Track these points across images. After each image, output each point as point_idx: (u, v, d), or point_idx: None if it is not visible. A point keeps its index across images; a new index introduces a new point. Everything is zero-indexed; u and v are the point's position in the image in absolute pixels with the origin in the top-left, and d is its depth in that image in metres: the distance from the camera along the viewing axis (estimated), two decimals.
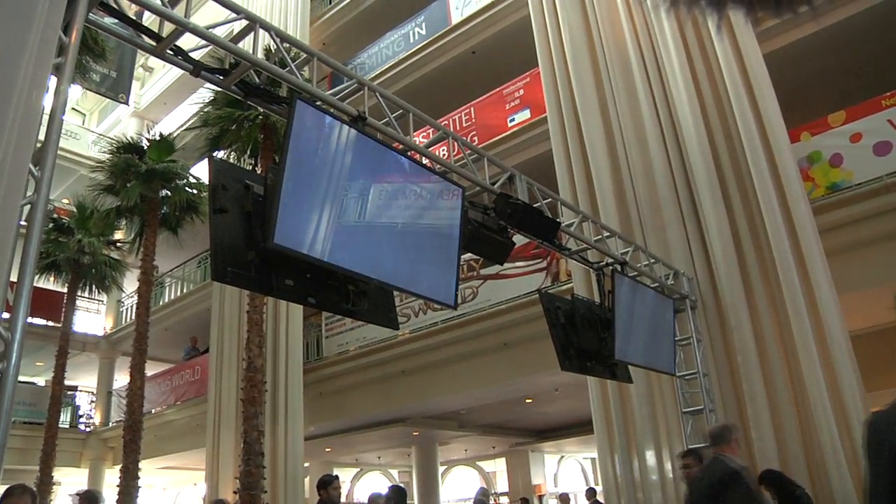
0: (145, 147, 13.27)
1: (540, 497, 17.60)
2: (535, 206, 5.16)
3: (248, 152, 11.28)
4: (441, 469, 18.41)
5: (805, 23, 7.08)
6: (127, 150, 13.07)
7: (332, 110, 3.85)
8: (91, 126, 22.52)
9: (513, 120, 10.87)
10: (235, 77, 3.74)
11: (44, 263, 14.52)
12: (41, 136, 2.73)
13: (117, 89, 12.56)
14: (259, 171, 9.27)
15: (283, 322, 11.98)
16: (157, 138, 13.47)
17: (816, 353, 6.22)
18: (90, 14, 3.09)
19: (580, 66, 8.57)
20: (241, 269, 3.29)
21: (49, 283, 15.49)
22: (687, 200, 7.39)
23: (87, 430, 18.18)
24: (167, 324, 16.69)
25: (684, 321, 7.04)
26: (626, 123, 8.01)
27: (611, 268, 6.13)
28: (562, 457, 20.16)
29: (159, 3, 3.35)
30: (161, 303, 17.35)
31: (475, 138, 10.98)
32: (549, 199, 5.74)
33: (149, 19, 4.41)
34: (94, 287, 15.65)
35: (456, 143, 4.98)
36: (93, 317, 19.29)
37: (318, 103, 3.71)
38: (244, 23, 3.79)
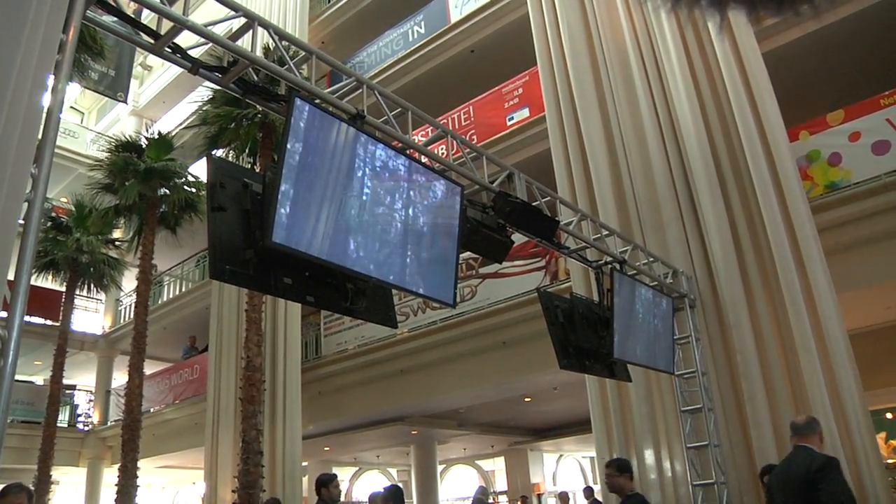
0: (144, 145, 13.27)
1: (539, 496, 17.61)
2: (534, 204, 5.16)
3: (247, 151, 11.28)
4: (440, 468, 18.41)
5: (804, 22, 7.08)
6: (125, 149, 13.06)
7: (330, 108, 3.84)
8: (90, 124, 22.49)
9: (512, 118, 10.86)
10: (234, 75, 3.73)
11: (42, 262, 14.52)
12: (38, 134, 2.73)
13: (116, 88, 12.54)
14: (258, 170, 9.25)
15: (281, 321, 11.98)
16: (156, 137, 13.47)
17: (815, 351, 6.22)
18: (88, 11, 3.08)
19: (579, 64, 8.56)
20: (239, 267, 3.28)
21: (48, 282, 15.47)
22: (686, 199, 7.39)
23: (86, 429, 18.16)
24: (166, 323, 16.68)
25: (683, 320, 7.04)
26: (625, 122, 8.01)
27: (610, 266, 6.13)
28: (561, 455, 20.18)
29: (157, 0, 3.34)
30: (160, 302, 17.33)
31: (474, 137, 10.97)
32: (548, 198, 5.74)
33: (147, 17, 4.41)
34: (92, 286, 15.63)
35: (455, 142, 4.98)
36: (91, 315, 19.28)
37: (317, 101, 3.70)
38: (243, 20, 3.77)
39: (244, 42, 3.73)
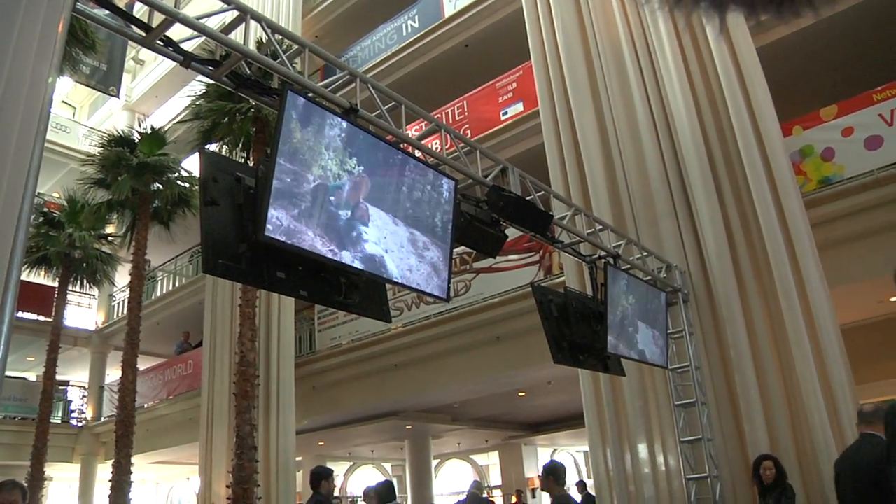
0: (136, 140, 13.19)
1: (533, 490, 17.66)
2: (527, 198, 5.16)
3: (241, 145, 11.23)
4: (434, 462, 18.45)
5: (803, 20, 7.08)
6: (118, 144, 13.00)
7: (324, 102, 3.83)
8: (82, 119, 22.34)
9: (506, 113, 10.86)
10: (226, 68, 3.71)
11: (34, 258, 14.44)
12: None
13: (108, 82, 12.43)
14: (251, 165, 9.22)
15: (275, 316, 11.96)
16: (149, 131, 13.39)
17: (808, 345, 6.26)
18: (79, 4, 3.06)
19: (573, 59, 8.56)
20: (232, 261, 3.27)
21: (40, 278, 15.39)
22: (680, 194, 7.40)
23: (79, 425, 18.11)
24: (159, 318, 16.63)
25: (677, 314, 7.07)
26: (619, 116, 8.01)
27: (603, 261, 6.13)
28: (555, 450, 20.23)
29: None
30: (153, 297, 17.28)
31: (468, 131, 10.96)
32: (542, 192, 5.73)
33: (139, 10, 4.37)
34: (85, 281, 15.57)
35: (449, 136, 4.97)
36: (84, 311, 19.21)
37: (310, 95, 3.69)
38: (235, 13, 3.75)
39: (237, 35, 3.71)
